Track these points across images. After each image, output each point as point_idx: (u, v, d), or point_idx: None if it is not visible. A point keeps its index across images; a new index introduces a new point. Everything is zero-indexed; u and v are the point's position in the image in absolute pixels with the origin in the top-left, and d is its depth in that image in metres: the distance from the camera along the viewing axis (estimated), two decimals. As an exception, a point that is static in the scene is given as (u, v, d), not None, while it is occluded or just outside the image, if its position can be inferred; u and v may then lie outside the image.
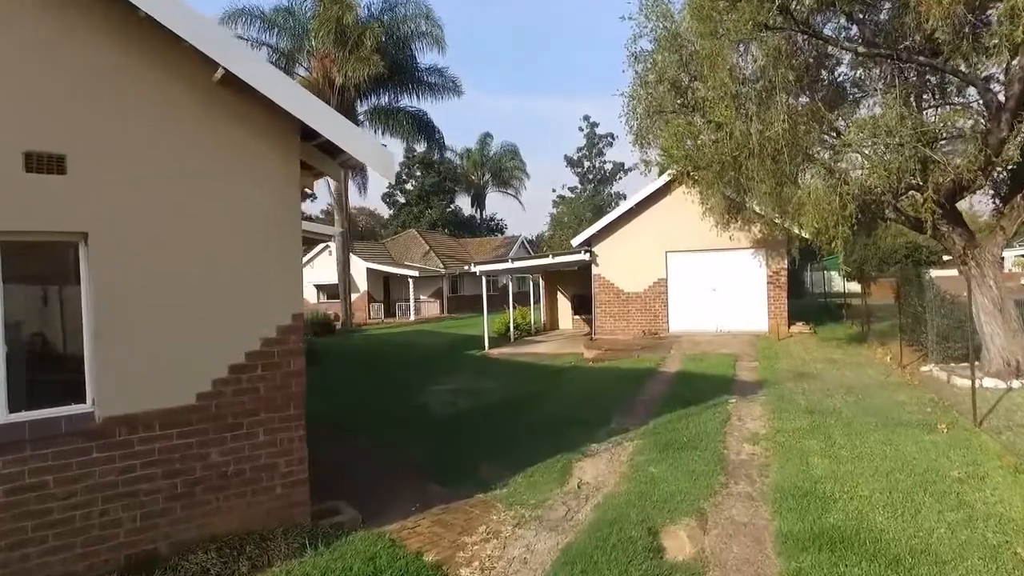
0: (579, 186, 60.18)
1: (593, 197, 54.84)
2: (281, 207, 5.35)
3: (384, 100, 29.67)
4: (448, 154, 61.10)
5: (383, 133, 30.08)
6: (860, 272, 18.55)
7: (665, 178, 16.39)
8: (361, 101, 29.08)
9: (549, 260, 18.57)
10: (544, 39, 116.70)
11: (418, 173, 59.23)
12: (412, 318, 34.29)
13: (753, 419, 8.14)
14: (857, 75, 11.97)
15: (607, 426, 8.43)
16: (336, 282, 30.29)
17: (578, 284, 24.95)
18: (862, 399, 8.94)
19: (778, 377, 10.83)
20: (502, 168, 62.42)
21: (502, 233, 62.03)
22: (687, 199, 16.12)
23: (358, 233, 63.08)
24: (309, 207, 63.11)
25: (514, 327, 22.09)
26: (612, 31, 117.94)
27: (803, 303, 25.41)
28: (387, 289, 38.56)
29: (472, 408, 11.02)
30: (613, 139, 59.17)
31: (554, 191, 61.29)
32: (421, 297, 37.24)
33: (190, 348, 4.90)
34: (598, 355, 15.37)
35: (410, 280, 34.72)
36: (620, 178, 59.49)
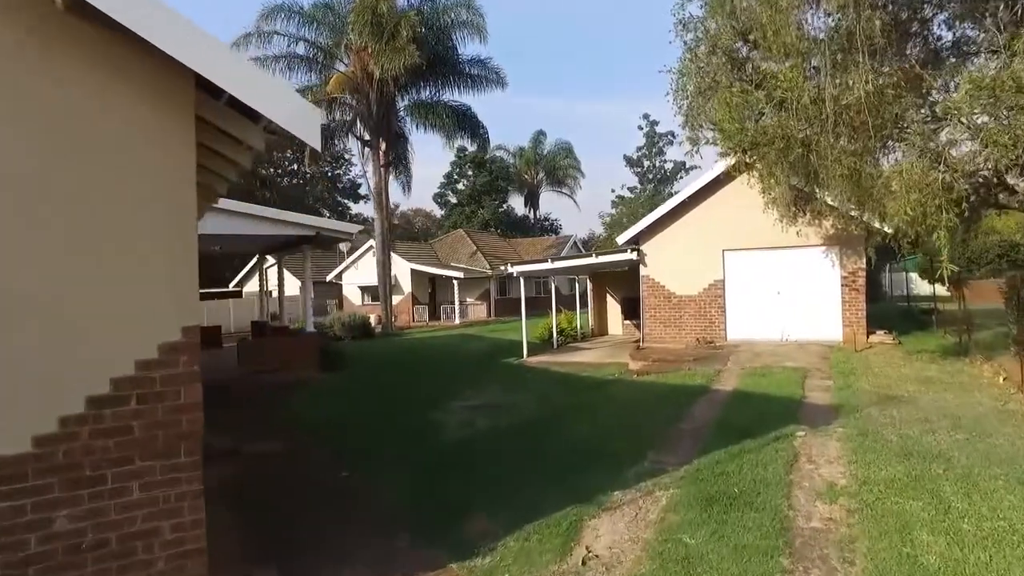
0: (639, 186, 58.45)
1: (653, 197, 53.18)
2: (166, 183, 3.94)
3: (426, 94, 28.56)
4: (500, 153, 60.13)
5: (424, 129, 29.00)
6: (952, 272, 15.98)
7: (721, 167, 14.43)
8: (401, 95, 28.03)
9: (591, 260, 16.87)
10: (600, 37, 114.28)
11: (469, 172, 58.21)
12: (457, 321, 33.04)
13: (828, 462, 6.26)
14: (959, 34, 9.85)
15: (639, 463, 6.72)
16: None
17: (628, 286, 23.05)
18: (977, 437, 6.87)
19: (859, 401, 8.79)
20: (556, 167, 60.74)
21: (556, 234, 60.29)
22: (747, 190, 14.12)
23: (413, 234, 62.66)
24: (361, 208, 63.08)
25: (558, 332, 20.46)
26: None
27: (881, 308, 22.74)
28: (432, 291, 37.47)
29: (489, 430, 9.48)
30: (673, 138, 57.13)
31: (613, 191, 59.75)
32: (467, 299, 35.99)
33: (23, 373, 3.53)
34: (644, 367, 13.57)
35: (454, 282, 33.49)
36: (680, 177, 57.67)
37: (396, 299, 34.56)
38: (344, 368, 16.61)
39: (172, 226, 3.95)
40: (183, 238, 4.00)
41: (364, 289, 35.65)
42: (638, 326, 22.93)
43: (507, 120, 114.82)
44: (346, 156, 60.82)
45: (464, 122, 29.11)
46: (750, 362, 12.55)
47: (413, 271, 34.90)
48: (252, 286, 39.66)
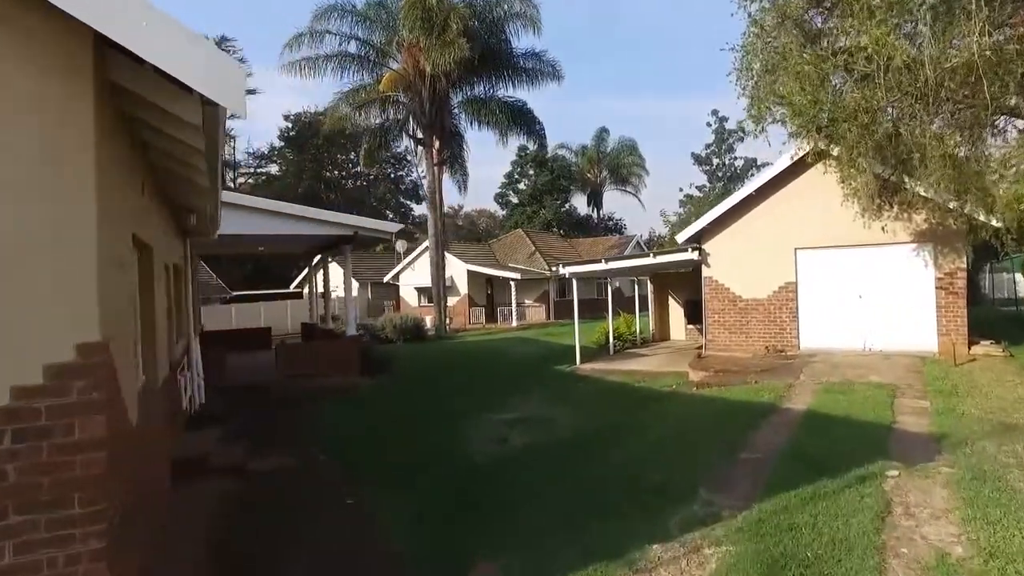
0: (708, 184, 56.18)
1: (722, 195, 50.84)
2: (49, 165, 3.09)
3: (479, 90, 27.78)
4: (562, 152, 58.93)
5: (478, 126, 28.23)
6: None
7: (792, 154, 12.90)
8: (454, 91, 27.33)
9: (648, 261, 15.58)
10: (671, 35, 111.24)
11: (531, 172, 57.26)
12: (514, 323, 32.11)
13: (934, 516, 4.89)
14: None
15: (689, 504, 5.54)
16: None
17: (692, 289, 21.51)
18: None
19: (967, 430, 7.21)
20: (620, 164, 58.98)
21: (620, 234, 58.57)
22: (823, 181, 12.57)
23: (477, 236, 62.23)
24: (425, 210, 63.10)
25: (615, 337, 19.21)
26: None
27: (982, 313, 20.36)
28: (490, 293, 36.68)
29: (521, 451, 8.45)
30: (743, 134, 54.27)
31: (681, 190, 57.68)
32: (526, 301, 35.01)
33: None
34: (705, 378, 12.22)
35: (512, 283, 32.57)
36: (752, 174, 54.89)
37: (452, 300, 33.97)
38: (386, 373, 15.92)
39: (60, 219, 3.10)
40: (77, 234, 3.15)
41: (420, 290, 35.22)
42: (701, 331, 21.40)
43: (568, 122, 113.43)
44: (408, 158, 61.06)
45: (519, 118, 28.16)
46: (827, 375, 11.01)
47: (469, 272, 34.20)
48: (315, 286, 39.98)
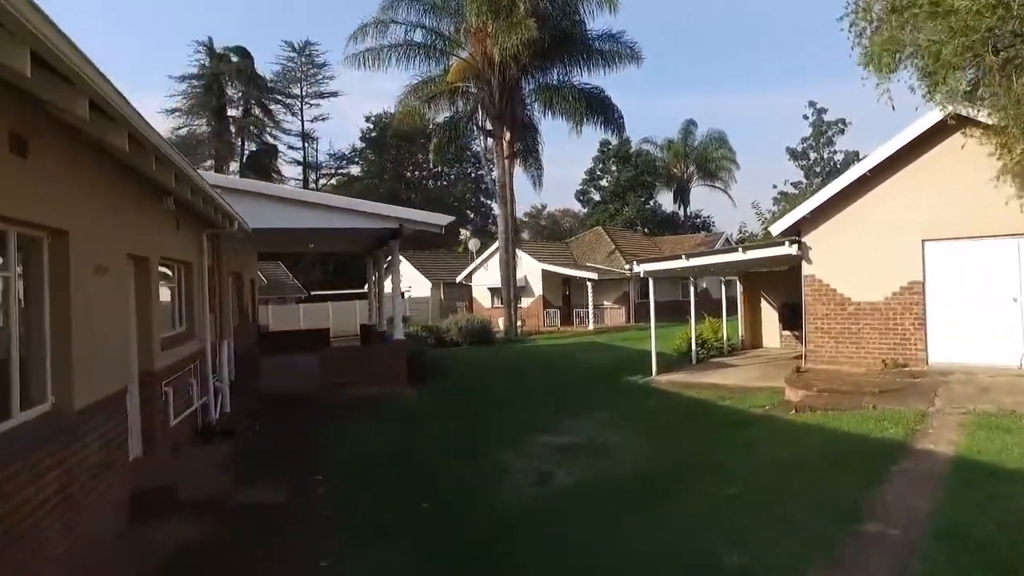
0: (803, 180, 52.19)
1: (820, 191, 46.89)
2: None
3: (552, 77, 26.03)
4: (647, 147, 56.19)
5: (551, 114, 26.48)
6: None
7: (924, 122, 10.39)
8: (525, 79, 25.73)
9: (735, 257, 13.29)
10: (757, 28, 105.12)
11: (613, 168, 54.88)
12: (591, 326, 30.11)
13: None
14: None
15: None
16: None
17: (789, 289, 18.90)
18: None
19: None
20: (708, 159, 55.55)
21: (708, 231, 55.20)
22: (962, 154, 10.00)
23: (560, 235, 60.46)
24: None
25: (699, 344, 16.98)
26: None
27: None
28: (567, 293, 34.82)
29: (566, 495, 6.65)
30: (845, 125, 50.33)
31: (774, 187, 53.89)
32: (604, 303, 32.92)
33: None
34: (806, 399, 9.96)
35: (588, 283, 30.60)
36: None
37: (526, 302, 32.39)
38: (437, 381, 14.48)
39: None
40: None
41: (493, 291, 33.83)
42: (800, 338, 18.74)
43: (649, 121, 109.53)
44: (489, 156, 60.09)
45: (596, 106, 26.19)
46: (974, 402, 8.51)
47: (544, 271, 32.49)
48: (388, 285, 39.51)
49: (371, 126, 57.36)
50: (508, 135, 25.70)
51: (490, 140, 26.83)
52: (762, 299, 19.82)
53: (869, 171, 11.60)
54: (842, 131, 51.12)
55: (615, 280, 32.74)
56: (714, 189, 57.69)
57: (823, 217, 12.35)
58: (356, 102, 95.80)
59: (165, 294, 8.81)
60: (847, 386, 10.22)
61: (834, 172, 52.21)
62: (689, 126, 56.12)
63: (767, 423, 9.19)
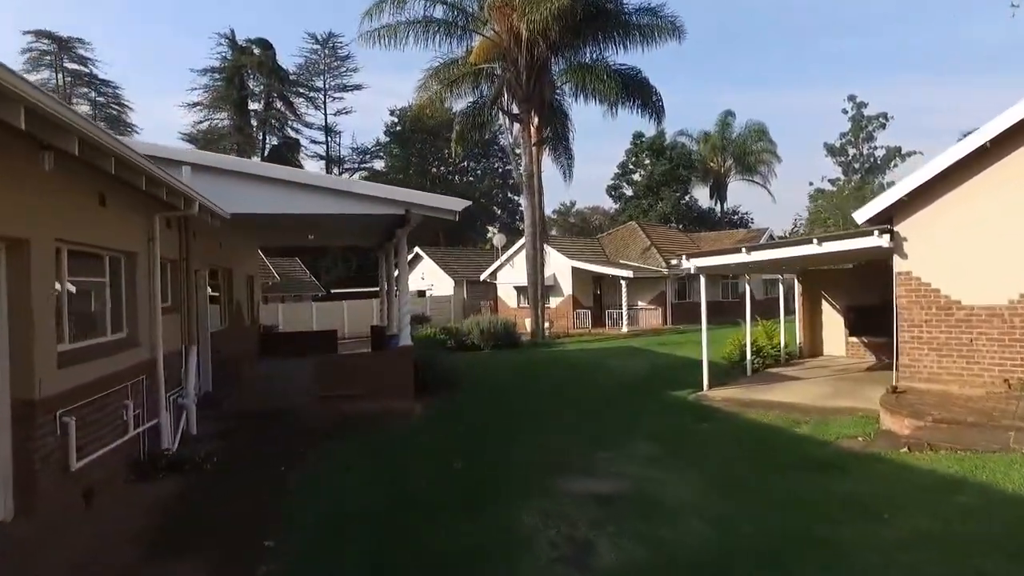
0: (841, 177, 49.58)
1: (859, 189, 44.92)
2: None
3: (585, 56, 23.80)
4: (682, 139, 53.54)
5: (584, 98, 24.26)
6: None
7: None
8: (555, 58, 23.56)
9: (808, 249, 10.90)
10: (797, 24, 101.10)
11: (647, 161, 52.33)
12: (625, 329, 27.81)
13: None
14: None
15: None
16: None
17: (858, 289, 16.52)
18: None
19: None
20: (747, 152, 52.74)
21: (747, 228, 52.38)
22: None
23: (589, 234, 58.14)
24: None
25: (754, 351, 14.69)
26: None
27: None
28: (598, 293, 32.56)
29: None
30: (886, 120, 47.58)
31: (811, 184, 51.63)
32: (638, 303, 30.60)
33: None
34: (918, 431, 7.67)
35: (622, 282, 28.30)
36: (895, 165, 47.76)
37: (554, 302, 30.24)
38: (450, 394, 12.44)
39: None
40: None
41: (519, 289, 31.71)
42: (871, 346, 16.30)
43: (682, 116, 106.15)
44: (517, 151, 58.00)
45: (632, 87, 23.91)
46: None
47: (574, 269, 30.27)
48: (410, 283, 37.62)
49: (395, 120, 55.69)
50: (536, 120, 23.58)
51: (516, 126, 24.73)
52: (823, 301, 17.42)
53: (989, 142, 9.18)
54: (883, 126, 48.59)
55: (651, 279, 30.42)
56: (752, 184, 54.86)
57: (923, 200, 9.97)
58: (380, 97, 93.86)
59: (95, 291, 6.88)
60: (972, 415, 7.88)
61: (874, 168, 49.38)
62: (727, 117, 53.44)
63: (873, 466, 6.93)
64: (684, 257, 12.42)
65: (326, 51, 54.93)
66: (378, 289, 38.04)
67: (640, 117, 24.66)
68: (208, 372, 10.71)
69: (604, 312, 31.07)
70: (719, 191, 54.67)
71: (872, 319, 16.36)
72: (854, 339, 16.60)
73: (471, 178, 60.67)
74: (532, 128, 23.58)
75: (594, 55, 23.41)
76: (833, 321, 17.15)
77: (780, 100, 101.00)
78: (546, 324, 25.45)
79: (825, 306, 17.38)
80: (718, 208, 55.39)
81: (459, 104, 26.06)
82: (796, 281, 17.41)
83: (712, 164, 53.82)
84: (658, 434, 9.12)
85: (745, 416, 10.23)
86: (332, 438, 8.85)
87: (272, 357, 17.41)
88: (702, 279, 12.88)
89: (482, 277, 33.98)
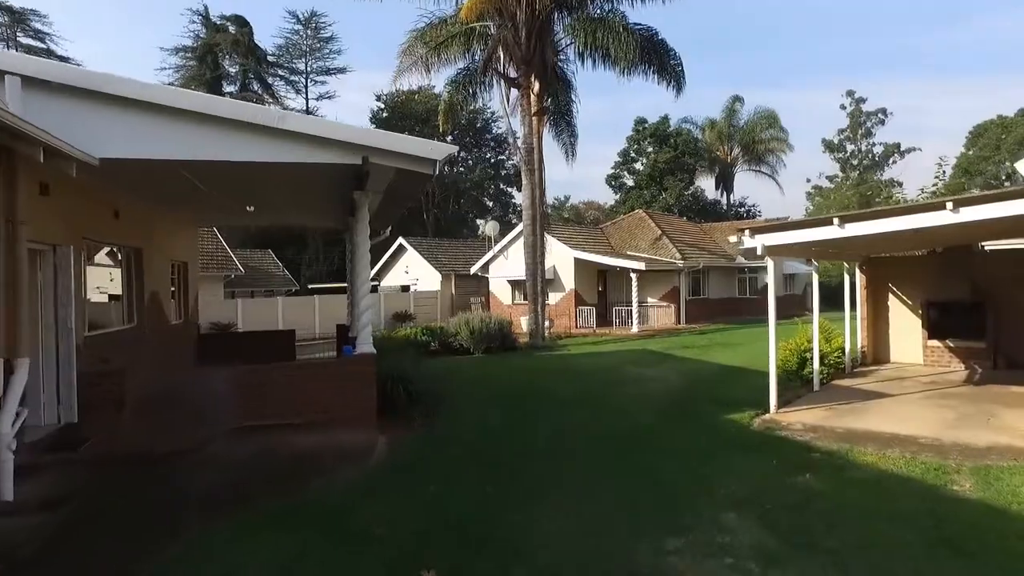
0: (839, 174, 47.70)
1: (858, 186, 44.19)
2: None
3: (596, 10, 20.47)
4: (687, 126, 50.35)
5: (592, 61, 20.93)
6: None
7: None
8: (559, 13, 20.22)
9: (937, 218, 7.51)
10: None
11: (649, 149, 49.05)
12: (635, 329, 24.49)
13: None
14: None
15: None
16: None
17: (938, 280, 13.37)
18: None
19: None
20: (755, 140, 49.60)
21: (764, 219, 49.29)
22: None
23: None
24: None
25: (819, 357, 11.47)
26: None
27: None
28: (603, 288, 29.27)
29: None
30: (885, 116, 45.98)
31: (808, 180, 50.18)
32: (649, 299, 27.33)
33: None
34: None
35: (632, 275, 25.00)
36: (894, 162, 46.55)
37: (555, 297, 26.90)
38: (425, 419, 9.10)
39: None
40: None
41: (515, 284, 28.35)
42: (959, 351, 13.07)
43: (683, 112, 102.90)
44: (510, 139, 54.65)
45: (649, 50, 20.58)
46: None
47: (577, 261, 26.92)
48: (393, 278, 34.20)
49: (381, 106, 52.16)
50: (536, 86, 20.23)
51: (514, 94, 21.30)
52: (890, 295, 14.20)
53: None
54: (882, 122, 46.82)
55: (663, 272, 27.14)
56: (759, 175, 51.78)
57: None
58: (364, 75, 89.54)
59: None
60: None
61: (873, 165, 48.21)
62: (735, 103, 50.28)
63: None
64: (747, 233, 9.08)
65: (308, 31, 51.34)
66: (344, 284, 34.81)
67: (657, 84, 21.17)
68: (71, 394, 7.31)
69: (610, 309, 27.78)
70: (725, 182, 51.55)
71: (961, 318, 13.17)
72: (935, 343, 13.38)
73: (462, 169, 57.26)
74: (532, 95, 20.23)
75: (605, 8, 20.08)
76: (904, 320, 13.94)
77: (779, 97, 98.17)
78: (546, 323, 22.10)
79: (892, 302, 14.17)
80: (724, 200, 52.26)
81: (447, 72, 22.67)
82: (857, 271, 14.14)
83: (718, 152, 50.69)
84: (746, 498, 5.79)
85: (858, 460, 6.97)
86: (225, 511, 5.46)
87: (215, 363, 13.93)
88: (770, 264, 9.59)
89: (472, 270, 30.57)
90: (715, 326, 25.51)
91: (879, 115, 47.00)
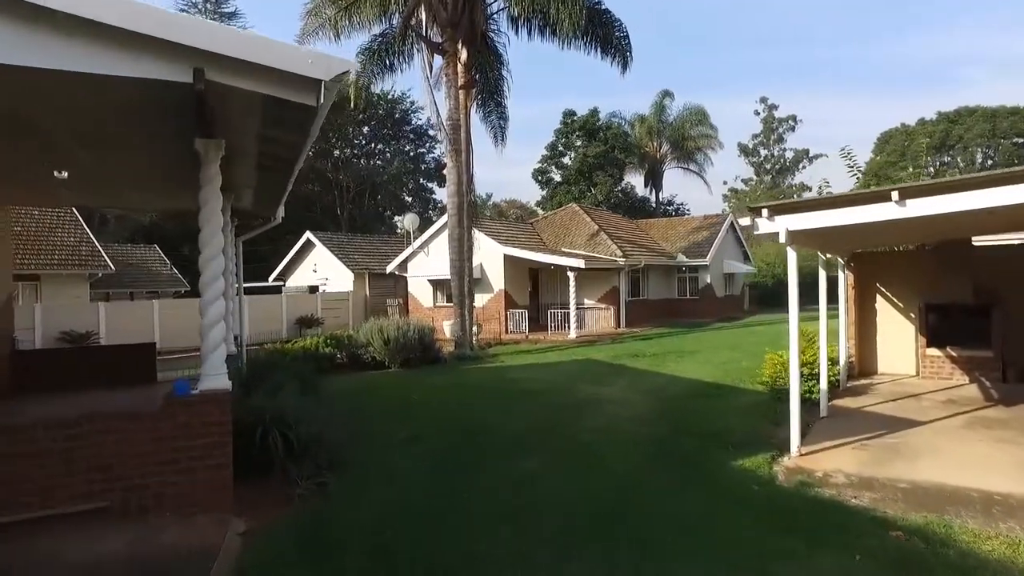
0: (754, 177, 48.56)
1: (771, 189, 45.63)
2: None
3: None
4: (616, 120, 48.78)
5: (529, 31, 18.32)
6: None
7: None
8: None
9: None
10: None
11: (578, 143, 47.12)
12: (573, 334, 22.01)
13: None
14: None
15: None
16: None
17: (936, 280, 11.45)
18: None
19: None
20: (685, 137, 48.60)
21: (703, 216, 48.35)
22: None
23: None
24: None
25: (813, 374, 9.29)
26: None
27: None
28: (534, 288, 26.76)
29: None
30: (795, 122, 47.68)
31: (725, 183, 51.48)
32: (586, 301, 25.03)
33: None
34: None
35: (570, 274, 22.55)
36: (804, 167, 48.43)
37: (483, 299, 24.11)
38: (313, 479, 6.13)
39: None
40: None
41: (437, 284, 25.38)
42: (962, 361, 11.21)
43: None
44: (431, 132, 51.46)
45: (594, 20, 18.17)
46: None
47: (508, 258, 24.25)
48: (299, 278, 30.46)
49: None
50: (464, 53, 17.42)
51: (439, 62, 18.40)
52: (878, 296, 12.28)
53: None
54: (792, 128, 48.30)
55: (600, 271, 24.88)
56: (688, 173, 50.89)
57: None
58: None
59: None
60: None
61: (784, 170, 49.89)
62: (664, 99, 48.99)
63: None
64: (765, 214, 6.61)
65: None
66: (268, 283, 30.69)
67: (601, 59, 18.81)
68: None
69: (543, 312, 25.29)
70: (655, 179, 50.34)
71: (963, 323, 11.34)
72: (935, 351, 11.49)
73: (379, 162, 53.63)
74: (459, 64, 17.40)
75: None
76: (893, 326, 12.04)
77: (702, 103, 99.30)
78: (474, 328, 19.30)
79: (881, 304, 12.26)
80: (653, 197, 51.08)
81: (361, 39, 19.47)
82: (844, 268, 12.12)
83: (648, 149, 49.38)
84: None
85: (972, 547, 4.58)
86: None
87: (36, 393, 10.28)
88: (791, 254, 7.15)
89: (389, 268, 27.33)
90: (658, 330, 23.46)
91: (790, 121, 48.43)
